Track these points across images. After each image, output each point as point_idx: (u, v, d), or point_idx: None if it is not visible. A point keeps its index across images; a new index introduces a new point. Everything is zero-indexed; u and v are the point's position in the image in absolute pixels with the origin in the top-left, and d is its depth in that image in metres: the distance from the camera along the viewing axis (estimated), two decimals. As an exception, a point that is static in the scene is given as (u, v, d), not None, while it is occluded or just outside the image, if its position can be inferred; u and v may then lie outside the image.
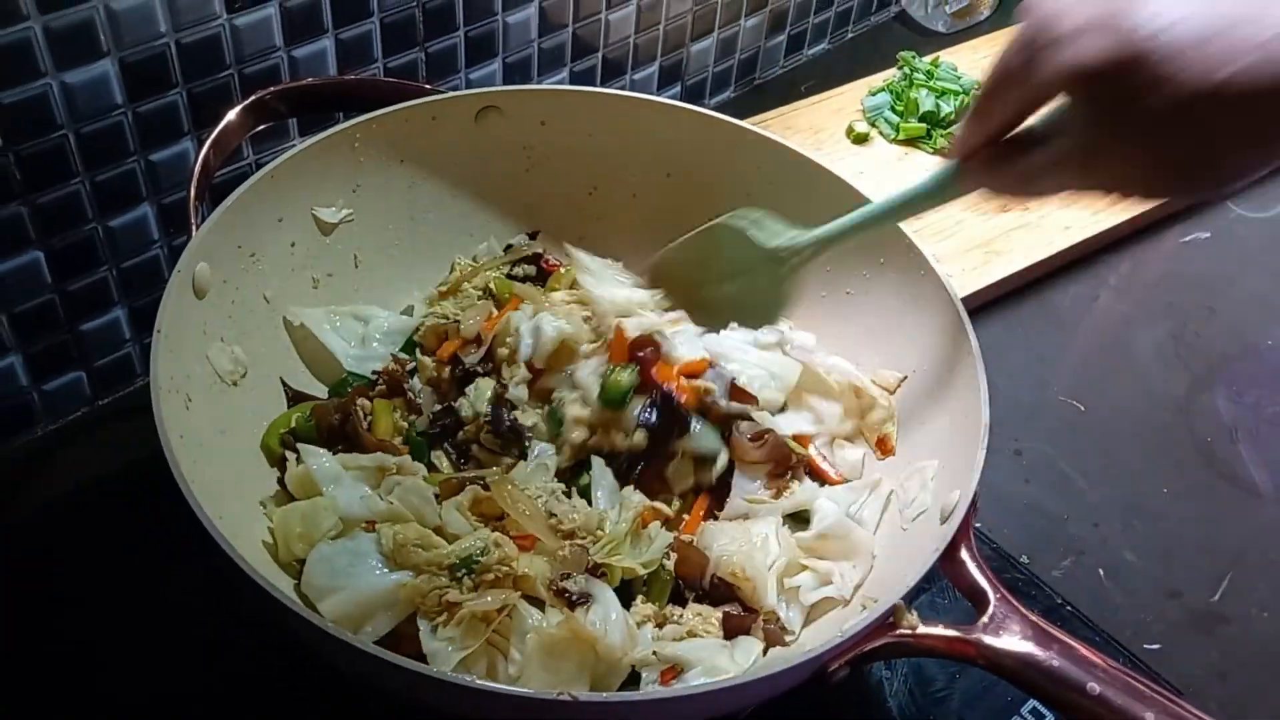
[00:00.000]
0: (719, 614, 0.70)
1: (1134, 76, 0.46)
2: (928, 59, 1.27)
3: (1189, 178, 0.50)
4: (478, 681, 0.55)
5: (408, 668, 0.53)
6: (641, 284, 0.83)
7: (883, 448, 0.81)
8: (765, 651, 0.68)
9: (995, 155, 0.56)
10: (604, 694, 0.63)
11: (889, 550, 0.73)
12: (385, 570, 0.66)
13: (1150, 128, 0.48)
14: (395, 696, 0.59)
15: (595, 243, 0.90)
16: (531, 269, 0.89)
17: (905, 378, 0.80)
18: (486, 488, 0.70)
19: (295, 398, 0.79)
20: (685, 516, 0.75)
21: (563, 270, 0.88)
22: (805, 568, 0.73)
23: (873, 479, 0.78)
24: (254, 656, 0.73)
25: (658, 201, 0.90)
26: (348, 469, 0.72)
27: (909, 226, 0.79)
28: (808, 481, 0.78)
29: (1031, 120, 0.54)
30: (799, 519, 0.76)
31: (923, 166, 1.17)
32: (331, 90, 0.84)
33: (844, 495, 0.78)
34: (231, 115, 0.77)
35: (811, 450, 0.80)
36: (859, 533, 0.74)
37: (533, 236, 0.91)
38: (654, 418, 0.73)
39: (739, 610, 0.71)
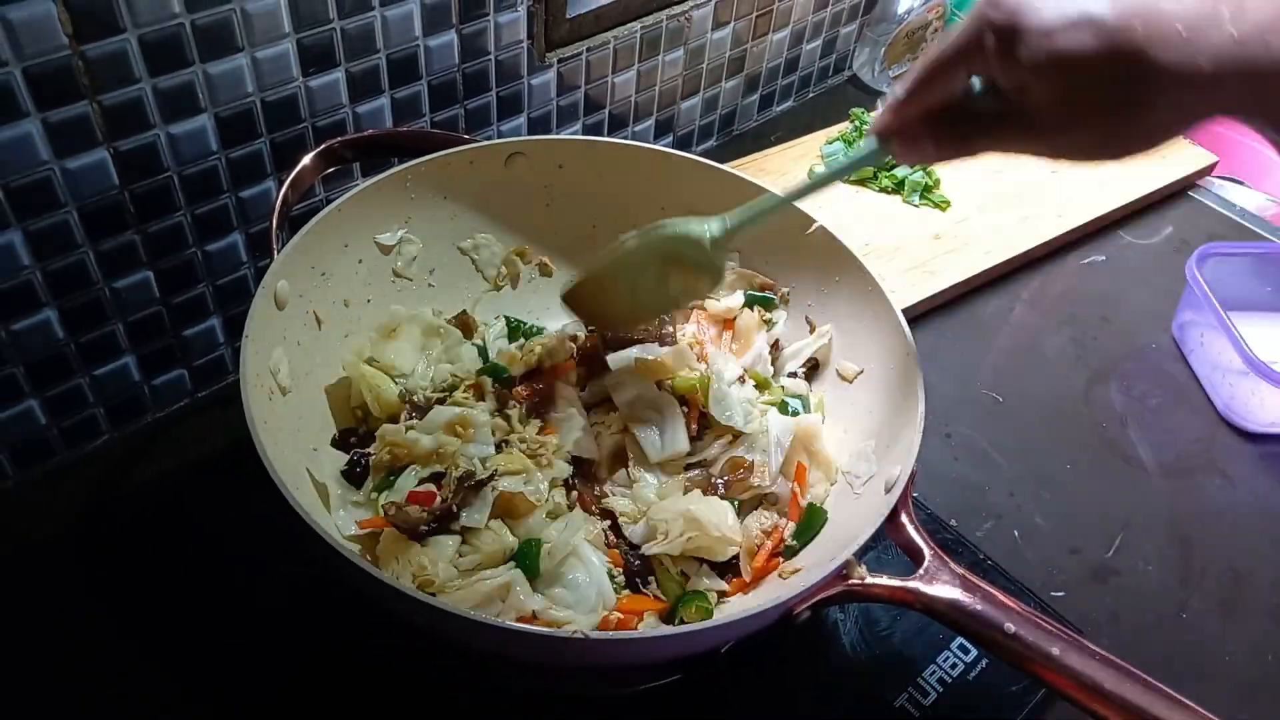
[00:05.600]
0: None
1: (1118, 66, 0.44)
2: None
3: (1130, 146, 0.48)
4: (506, 622, 0.54)
5: (441, 607, 0.53)
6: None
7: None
8: None
9: (931, 126, 0.53)
10: (609, 633, 0.63)
11: (843, 515, 0.73)
12: None
13: (1116, 108, 0.46)
14: (435, 636, 0.59)
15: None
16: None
17: (862, 370, 0.80)
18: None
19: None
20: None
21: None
22: None
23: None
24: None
25: (654, 230, 0.90)
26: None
27: (859, 251, 0.79)
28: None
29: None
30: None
31: (870, 201, 1.17)
32: (388, 139, 0.84)
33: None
34: (306, 160, 0.77)
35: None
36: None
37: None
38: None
39: None
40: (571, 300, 0.74)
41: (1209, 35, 0.43)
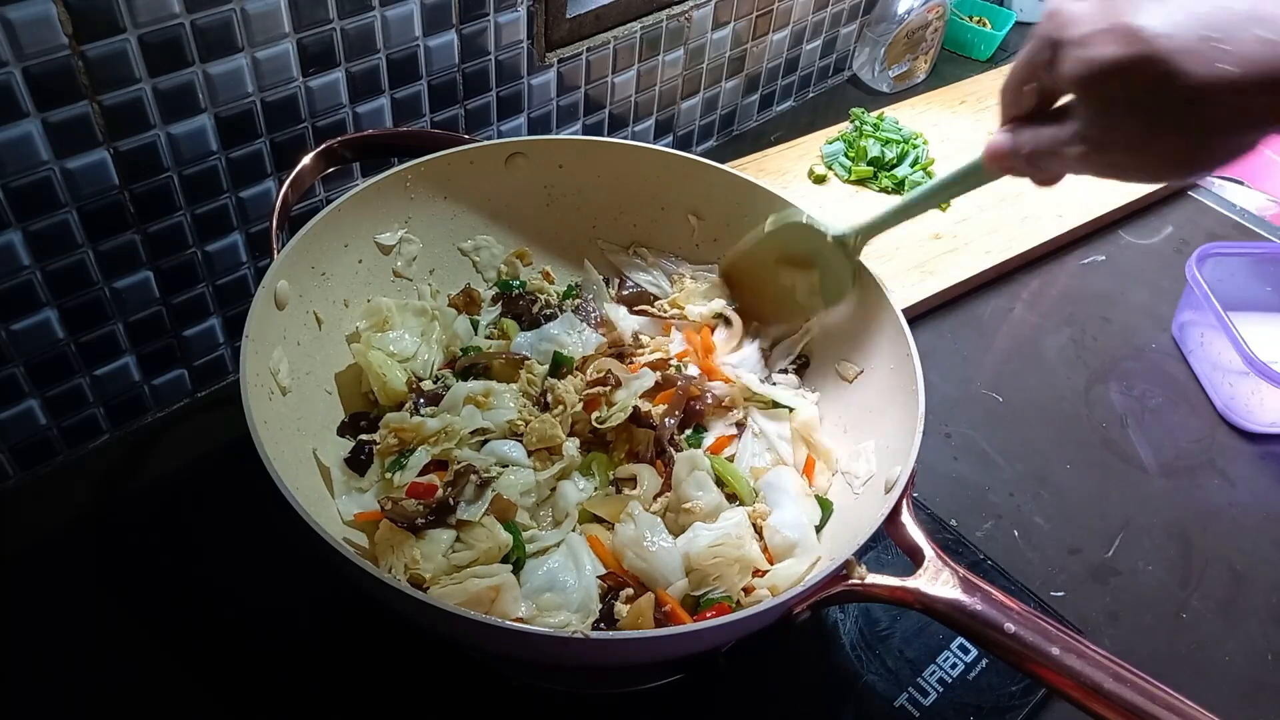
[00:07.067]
0: None
1: (1144, 74, 0.44)
2: (874, 114, 1.27)
3: (1187, 164, 0.47)
4: (507, 622, 0.54)
5: (442, 607, 0.52)
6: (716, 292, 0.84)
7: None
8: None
9: (1013, 135, 0.54)
10: (609, 633, 0.63)
11: (842, 515, 0.73)
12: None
13: (1155, 121, 0.45)
14: (439, 635, 0.59)
15: (605, 260, 0.91)
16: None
17: (862, 371, 0.80)
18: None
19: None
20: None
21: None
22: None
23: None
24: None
25: (654, 229, 0.90)
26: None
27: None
28: None
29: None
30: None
31: (870, 201, 1.17)
32: (388, 139, 0.84)
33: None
34: (306, 160, 0.77)
35: None
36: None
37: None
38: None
39: None
40: (728, 277, 0.83)
41: (1235, 37, 0.42)
